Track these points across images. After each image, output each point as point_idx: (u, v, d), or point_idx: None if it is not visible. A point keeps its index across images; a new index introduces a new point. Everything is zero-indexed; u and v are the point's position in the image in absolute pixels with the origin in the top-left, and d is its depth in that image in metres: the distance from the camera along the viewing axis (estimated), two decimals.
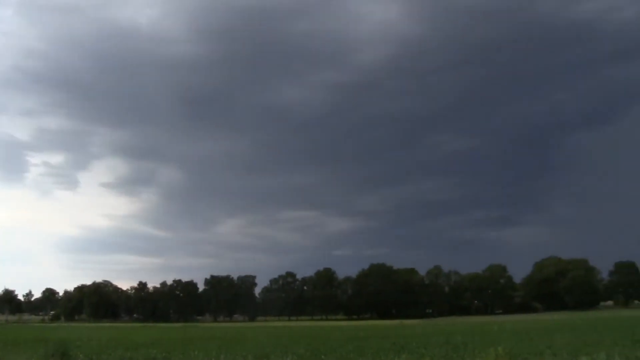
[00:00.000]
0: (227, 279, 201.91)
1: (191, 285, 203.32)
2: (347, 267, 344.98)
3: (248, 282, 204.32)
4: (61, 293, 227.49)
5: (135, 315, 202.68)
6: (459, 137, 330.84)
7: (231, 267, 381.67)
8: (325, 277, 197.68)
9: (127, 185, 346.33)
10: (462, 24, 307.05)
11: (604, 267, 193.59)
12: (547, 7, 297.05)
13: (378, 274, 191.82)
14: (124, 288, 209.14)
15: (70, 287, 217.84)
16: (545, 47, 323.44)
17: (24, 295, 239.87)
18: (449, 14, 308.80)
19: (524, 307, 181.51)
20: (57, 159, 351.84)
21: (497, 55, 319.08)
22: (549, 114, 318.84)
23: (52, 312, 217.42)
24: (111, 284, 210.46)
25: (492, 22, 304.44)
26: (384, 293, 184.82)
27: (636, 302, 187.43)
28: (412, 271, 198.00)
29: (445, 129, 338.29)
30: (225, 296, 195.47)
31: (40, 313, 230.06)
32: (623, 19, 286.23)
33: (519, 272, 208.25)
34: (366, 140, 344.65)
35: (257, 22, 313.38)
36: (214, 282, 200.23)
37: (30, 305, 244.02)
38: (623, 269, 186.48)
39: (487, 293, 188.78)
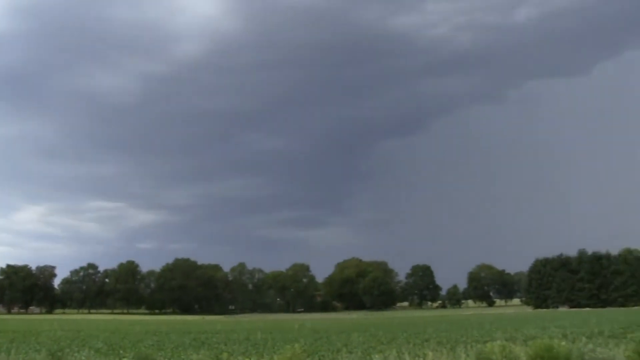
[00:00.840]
0: (24, 269, 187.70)
1: None
2: (152, 260, 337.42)
3: (47, 272, 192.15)
4: None
5: None
6: (271, 136, 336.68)
7: (30, 256, 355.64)
8: (128, 270, 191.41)
9: None
10: (283, 25, 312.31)
11: (401, 269, 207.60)
12: (368, 17, 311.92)
13: (182, 269, 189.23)
14: None
15: None
16: (363, 55, 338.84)
17: None
18: (269, 14, 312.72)
19: (325, 306, 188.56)
20: None
21: (316, 58, 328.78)
22: (361, 121, 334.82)
23: None
24: None
25: (313, 25, 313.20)
26: (187, 288, 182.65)
27: (430, 303, 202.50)
28: (216, 267, 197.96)
29: (258, 128, 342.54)
30: (21, 287, 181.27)
31: None
32: (436, 36, 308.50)
33: (322, 272, 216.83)
34: (178, 134, 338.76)
35: (74, 2, 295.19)
36: (10, 272, 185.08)
37: None
38: (419, 271, 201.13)
39: (290, 291, 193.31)
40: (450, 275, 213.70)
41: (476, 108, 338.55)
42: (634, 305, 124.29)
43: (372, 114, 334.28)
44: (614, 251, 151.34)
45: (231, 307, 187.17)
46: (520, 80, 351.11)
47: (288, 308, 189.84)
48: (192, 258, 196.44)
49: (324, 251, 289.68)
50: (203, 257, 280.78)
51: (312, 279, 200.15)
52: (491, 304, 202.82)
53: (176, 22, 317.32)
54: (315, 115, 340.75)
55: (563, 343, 18.97)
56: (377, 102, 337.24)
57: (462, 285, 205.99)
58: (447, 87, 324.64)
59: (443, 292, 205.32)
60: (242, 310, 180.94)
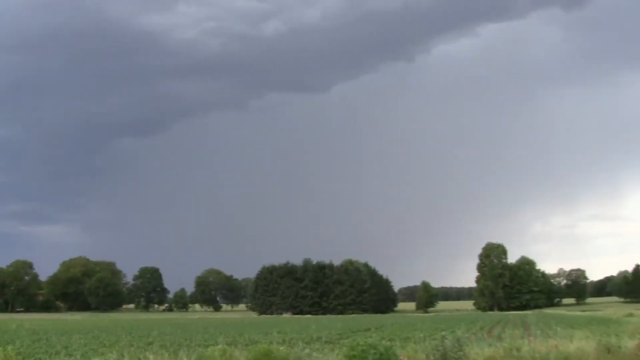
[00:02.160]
0: None
1: None
2: None
3: None
4: None
5: None
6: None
7: None
8: None
9: None
10: (20, 7, 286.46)
11: (130, 270, 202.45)
12: (119, 11, 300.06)
13: None
14: None
15: None
16: (110, 50, 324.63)
17: None
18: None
19: (48, 306, 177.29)
20: None
21: (57, 47, 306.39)
22: (101, 116, 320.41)
23: None
24: None
25: (58, 13, 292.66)
26: None
27: (156, 306, 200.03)
28: None
29: None
30: None
31: None
32: (185, 39, 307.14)
33: (47, 270, 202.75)
34: None
35: None
36: None
37: None
38: (147, 273, 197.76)
39: (10, 290, 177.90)
40: (179, 278, 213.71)
41: (219, 114, 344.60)
42: (351, 313, 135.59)
43: (114, 111, 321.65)
44: (337, 262, 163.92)
45: None
46: (263, 90, 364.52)
47: (7, 307, 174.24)
48: None
49: (50, 248, 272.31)
50: None
51: (35, 277, 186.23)
52: (218, 308, 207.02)
53: None
54: (51, 107, 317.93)
55: (282, 348, 20.23)
56: (120, 99, 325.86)
57: (190, 289, 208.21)
58: (192, 91, 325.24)
59: (170, 296, 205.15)
60: None
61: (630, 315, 59.43)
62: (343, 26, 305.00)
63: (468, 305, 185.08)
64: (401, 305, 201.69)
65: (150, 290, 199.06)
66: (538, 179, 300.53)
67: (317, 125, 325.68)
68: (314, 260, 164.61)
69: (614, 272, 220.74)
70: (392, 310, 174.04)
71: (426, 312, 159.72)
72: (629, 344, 20.25)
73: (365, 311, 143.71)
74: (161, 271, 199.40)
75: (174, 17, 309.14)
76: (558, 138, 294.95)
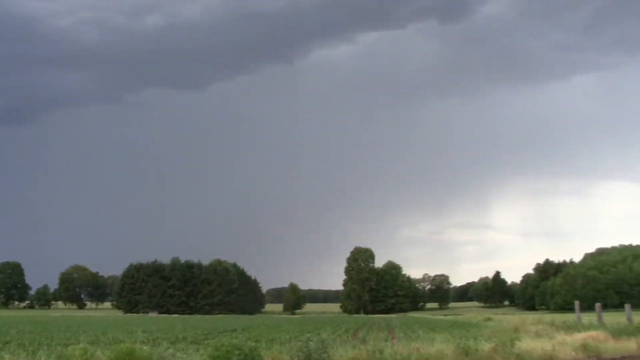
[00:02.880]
0: None
1: None
2: None
3: None
4: None
5: None
6: None
7: None
8: None
9: None
10: None
11: None
12: None
13: None
14: None
15: None
16: None
17: None
18: None
19: None
20: None
21: None
22: None
23: None
24: None
25: None
26: None
27: (17, 303, 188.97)
28: None
29: None
30: None
31: None
32: (60, 27, 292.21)
33: None
34: None
35: None
36: None
37: None
38: (7, 269, 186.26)
39: None
40: (43, 274, 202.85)
41: (93, 106, 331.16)
42: (218, 313, 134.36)
43: None
44: (206, 261, 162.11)
45: None
46: (139, 85, 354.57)
47: None
48: None
49: None
50: None
51: None
52: (82, 306, 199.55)
53: None
54: None
55: (145, 347, 19.50)
56: None
57: (54, 285, 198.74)
58: (65, 82, 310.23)
59: (32, 292, 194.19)
60: None
61: (489, 319, 62.47)
62: (224, 24, 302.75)
63: (335, 307, 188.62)
64: (269, 307, 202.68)
65: (10, 286, 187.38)
66: (408, 185, 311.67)
67: (192, 123, 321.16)
68: (183, 259, 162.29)
69: (475, 278, 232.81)
70: (260, 312, 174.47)
71: (293, 313, 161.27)
72: (486, 346, 21.17)
73: (232, 312, 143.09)
74: (23, 266, 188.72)
75: (50, 4, 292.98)
76: (430, 147, 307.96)
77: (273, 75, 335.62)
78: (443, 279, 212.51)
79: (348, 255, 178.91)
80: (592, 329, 28.35)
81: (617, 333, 26.21)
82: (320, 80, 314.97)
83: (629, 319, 32.04)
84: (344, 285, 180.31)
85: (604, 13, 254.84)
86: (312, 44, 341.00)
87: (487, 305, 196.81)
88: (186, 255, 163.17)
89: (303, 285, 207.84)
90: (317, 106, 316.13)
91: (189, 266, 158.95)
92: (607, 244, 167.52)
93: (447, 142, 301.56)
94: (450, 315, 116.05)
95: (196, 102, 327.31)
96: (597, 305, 37.01)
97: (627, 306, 35.57)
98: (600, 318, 34.73)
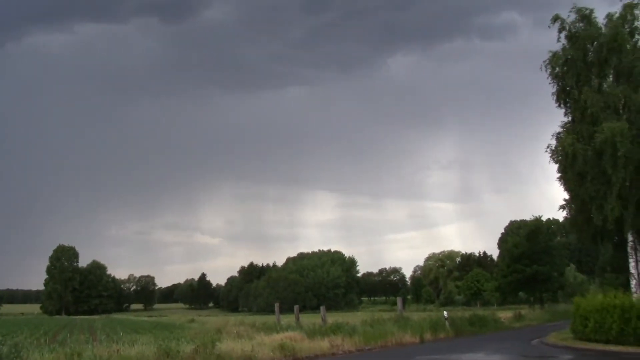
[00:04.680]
0: None
1: None
2: None
3: None
4: None
5: None
6: None
7: None
8: None
9: None
10: None
11: None
12: None
13: None
14: None
15: None
16: None
17: None
18: None
19: None
20: None
21: None
22: None
23: None
24: None
25: None
26: None
27: None
28: None
29: None
30: None
31: None
32: None
33: None
34: None
35: None
36: None
37: None
38: None
39: None
40: None
41: None
42: None
43: None
44: None
45: None
46: None
47: None
48: None
49: None
50: None
51: None
52: None
53: None
54: None
55: None
56: None
57: None
58: None
59: None
60: None
61: (192, 321, 63.11)
62: None
63: (35, 308, 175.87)
64: None
65: None
66: (120, 184, 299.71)
67: None
68: None
69: (182, 279, 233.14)
70: None
71: None
72: (187, 348, 21.24)
73: None
74: None
75: None
76: (144, 146, 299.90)
77: None
78: (149, 280, 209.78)
79: (51, 253, 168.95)
80: (290, 329, 29.78)
81: (312, 333, 27.87)
82: (34, 68, 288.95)
83: (324, 320, 34.37)
84: (45, 285, 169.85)
85: (320, 31, 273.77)
86: (24, 29, 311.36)
87: (193, 307, 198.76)
88: None
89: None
90: (28, 95, 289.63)
91: None
92: (308, 249, 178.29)
93: (162, 142, 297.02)
94: (155, 316, 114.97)
95: None
96: (296, 307, 39.33)
97: (322, 308, 38.35)
98: (298, 319, 36.81)
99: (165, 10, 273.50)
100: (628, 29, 30.62)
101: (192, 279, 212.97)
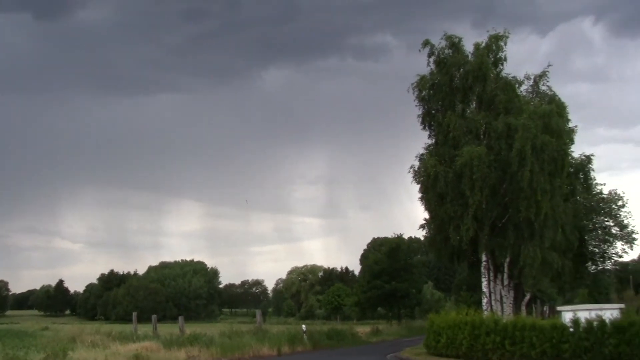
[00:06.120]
0: None
1: None
2: None
3: None
4: None
5: None
6: None
7: None
8: None
9: None
10: None
11: None
12: None
13: None
14: None
15: None
16: None
17: None
18: None
19: None
20: None
21: None
22: None
23: None
24: None
25: None
26: None
27: None
28: None
29: None
30: None
31: None
32: None
33: None
34: None
35: None
36: None
37: None
38: None
39: None
40: None
41: None
42: None
43: None
44: None
45: None
46: None
47: None
48: None
49: None
50: None
51: None
52: None
53: None
54: None
55: None
56: None
57: None
58: None
59: None
60: None
61: (46, 328, 59.75)
62: None
63: None
64: None
65: None
66: None
67: None
68: None
69: (38, 285, 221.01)
70: None
71: None
72: (37, 358, 20.25)
73: None
74: None
75: None
76: (6, 145, 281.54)
77: None
78: (2, 285, 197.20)
79: None
80: (147, 339, 28.94)
81: (169, 344, 27.23)
82: None
83: (182, 330, 33.48)
84: None
85: (198, 39, 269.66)
86: None
87: (48, 314, 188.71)
88: None
89: None
90: None
91: None
92: (172, 258, 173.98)
93: (25, 142, 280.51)
94: (6, 324, 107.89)
95: None
96: (153, 316, 38.21)
97: (180, 318, 37.43)
98: (155, 329, 35.62)
99: (39, 7, 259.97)
100: (492, 59, 32.25)
101: (49, 285, 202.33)
